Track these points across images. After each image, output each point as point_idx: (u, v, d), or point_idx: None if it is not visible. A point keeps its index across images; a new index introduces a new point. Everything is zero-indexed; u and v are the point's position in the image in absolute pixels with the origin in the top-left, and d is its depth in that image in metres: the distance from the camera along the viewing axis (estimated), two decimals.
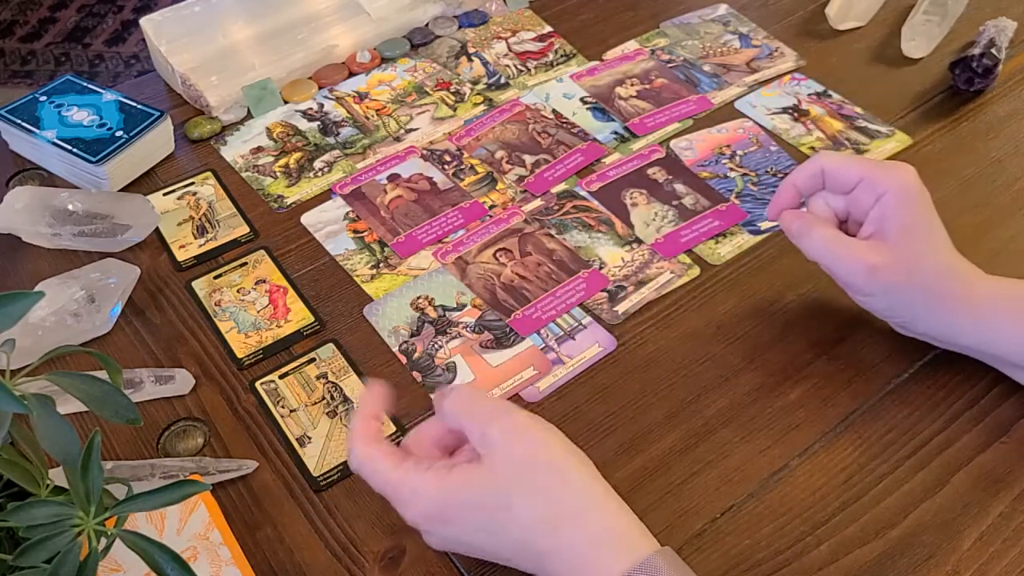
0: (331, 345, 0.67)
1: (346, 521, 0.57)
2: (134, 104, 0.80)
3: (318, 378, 0.65)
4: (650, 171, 0.80)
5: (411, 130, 0.85)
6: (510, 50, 0.93)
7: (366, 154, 0.83)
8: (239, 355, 0.67)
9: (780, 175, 0.79)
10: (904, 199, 0.58)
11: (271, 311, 0.70)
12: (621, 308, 0.69)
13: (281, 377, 0.65)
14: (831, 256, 0.60)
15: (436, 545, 0.53)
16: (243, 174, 0.81)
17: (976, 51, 0.84)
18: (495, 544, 0.50)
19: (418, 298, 0.70)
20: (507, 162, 0.81)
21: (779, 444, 0.60)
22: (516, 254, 0.73)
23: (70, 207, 0.73)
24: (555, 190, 0.78)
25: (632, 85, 0.88)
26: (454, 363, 0.66)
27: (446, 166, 0.81)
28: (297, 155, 0.82)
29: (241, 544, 0.55)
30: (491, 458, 0.49)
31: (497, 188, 0.79)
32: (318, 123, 0.85)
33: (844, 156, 0.61)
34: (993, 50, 0.84)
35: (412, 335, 0.68)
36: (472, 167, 0.81)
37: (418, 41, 0.94)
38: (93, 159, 0.75)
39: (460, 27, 0.95)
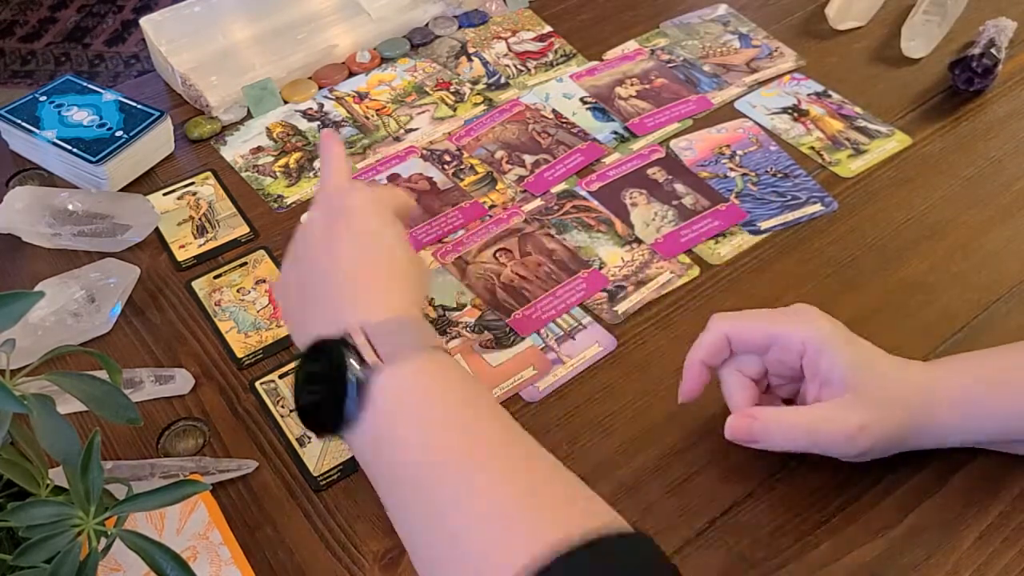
0: None
1: (346, 521, 0.57)
2: (134, 104, 0.80)
3: None
4: (650, 171, 0.80)
5: (411, 130, 0.85)
6: (510, 50, 0.93)
7: (366, 154, 0.83)
8: (239, 355, 0.67)
9: (780, 175, 0.79)
10: (827, 343, 0.54)
11: (271, 311, 0.70)
12: (621, 308, 0.69)
13: (281, 377, 0.65)
14: (813, 439, 0.54)
15: None
16: (243, 174, 0.81)
17: (976, 51, 0.84)
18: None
19: None
20: (507, 162, 0.81)
21: None
22: (516, 254, 0.73)
23: (70, 207, 0.73)
24: (555, 190, 0.78)
25: (632, 85, 0.88)
26: None
27: (446, 166, 0.81)
28: (297, 155, 0.82)
29: (241, 544, 0.55)
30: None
31: (497, 188, 0.79)
32: (318, 123, 0.85)
33: (744, 317, 0.57)
34: (993, 50, 0.84)
35: None
36: (472, 167, 0.81)
37: (418, 41, 0.94)
38: (93, 159, 0.76)
39: (460, 27, 0.95)
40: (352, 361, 0.47)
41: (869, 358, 0.55)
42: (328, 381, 0.47)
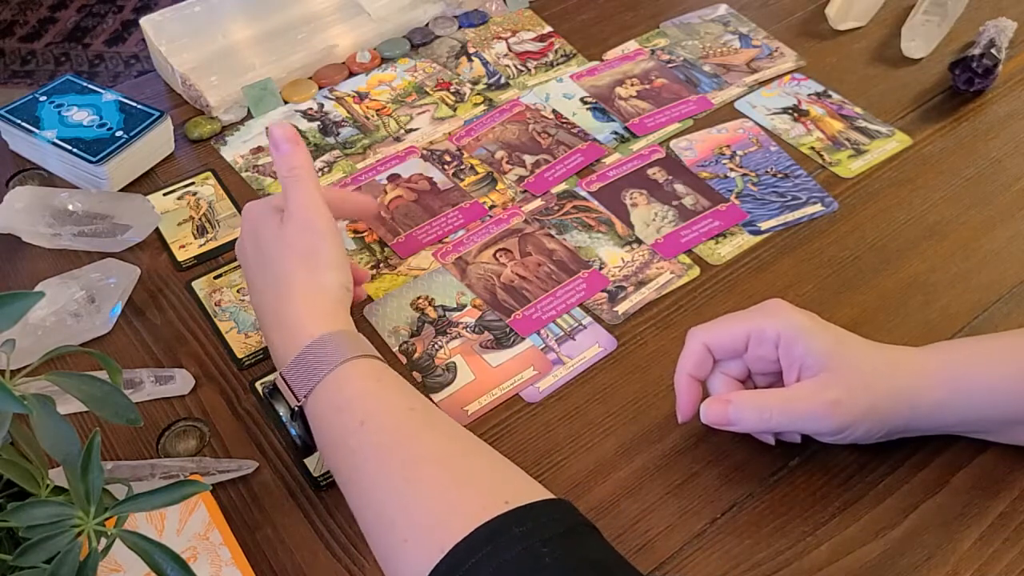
0: None
1: (346, 521, 0.57)
2: (134, 104, 0.80)
3: None
4: (650, 171, 0.80)
5: (411, 130, 0.85)
6: (510, 50, 0.93)
7: (366, 154, 0.83)
8: (239, 355, 0.67)
9: (780, 175, 0.79)
10: (801, 331, 0.54)
11: None
12: (621, 308, 0.69)
13: None
14: (789, 417, 0.55)
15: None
16: (243, 174, 0.81)
17: (976, 51, 0.84)
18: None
19: (418, 298, 0.70)
20: (507, 162, 0.81)
21: (779, 443, 0.59)
22: (516, 254, 0.73)
23: (70, 207, 0.73)
24: (555, 190, 0.78)
25: (632, 85, 0.88)
26: (454, 363, 0.66)
27: (446, 166, 0.81)
28: None
29: (241, 544, 0.55)
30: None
31: (497, 188, 0.79)
32: (318, 123, 0.85)
33: (717, 323, 0.57)
34: (993, 50, 0.84)
35: (412, 335, 0.68)
36: (472, 167, 0.81)
37: (418, 41, 0.94)
38: (93, 159, 0.75)
39: (460, 27, 0.95)
40: (282, 408, 0.57)
41: (844, 341, 0.56)
42: (281, 423, 0.58)
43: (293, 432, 0.56)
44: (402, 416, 0.53)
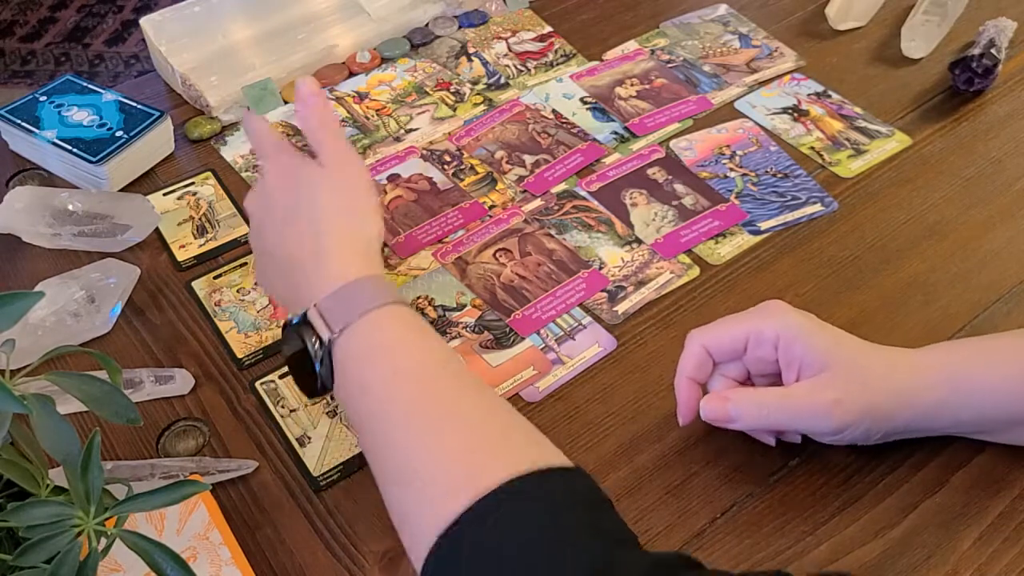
0: None
1: (346, 521, 0.57)
2: (134, 104, 0.80)
3: None
4: (650, 171, 0.80)
5: (411, 130, 0.85)
6: (510, 50, 0.93)
7: (366, 154, 0.83)
8: (239, 355, 0.67)
9: (780, 175, 0.79)
10: (800, 331, 0.55)
11: (271, 311, 0.70)
12: (621, 308, 0.69)
13: (281, 377, 0.65)
14: (787, 413, 0.55)
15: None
16: (243, 174, 0.81)
17: (976, 51, 0.84)
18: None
19: (418, 298, 0.70)
20: (507, 162, 0.81)
21: (779, 444, 0.59)
22: (516, 254, 0.73)
23: (70, 207, 0.73)
24: (555, 190, 0.78)
25: (632, 85, 0.88)
26: None
27: (446, 166, 0.81)
28: None
29: (241, 544, 0.55)
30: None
31: (497, 188, 0.79)
32: None
33: (716, 326, 0.57)
34: (993, 50, 0.84)
35: None
36: (472, 167, 0.81)
37: (418, 41, 0.94)
38: (93, 159, 0.76)
39: (460, 27, 0.95)
40: (312, 340, 0.54)
41: (842, 341, 0.56)
42: (302, 358, 0.55)
43: (317, 368, 0.54)
44: (439, 369, 0.53)
